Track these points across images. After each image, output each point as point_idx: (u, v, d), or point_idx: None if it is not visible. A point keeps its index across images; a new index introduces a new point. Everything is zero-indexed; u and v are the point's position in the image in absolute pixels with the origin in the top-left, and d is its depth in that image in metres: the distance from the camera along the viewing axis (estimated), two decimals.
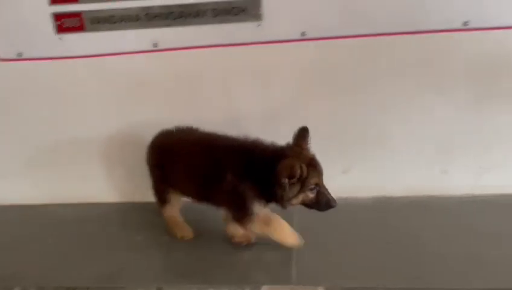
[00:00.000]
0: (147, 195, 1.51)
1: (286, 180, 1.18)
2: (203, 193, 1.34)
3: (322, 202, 1.24)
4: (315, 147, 1.27)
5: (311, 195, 1.23)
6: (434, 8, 1.39)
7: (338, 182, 1.38)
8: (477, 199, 1.53)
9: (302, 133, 1.25)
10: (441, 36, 1.40)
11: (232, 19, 1.44)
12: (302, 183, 1.20)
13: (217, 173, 1.26)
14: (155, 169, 1.45)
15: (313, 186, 1.22)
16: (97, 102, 1.62)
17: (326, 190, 1.23)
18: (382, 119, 1.52)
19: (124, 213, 1.66)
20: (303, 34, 1.45)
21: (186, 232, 1.46)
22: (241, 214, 1.27)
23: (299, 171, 1.17)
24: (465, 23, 1.39)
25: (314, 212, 1.24)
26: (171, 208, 1.46)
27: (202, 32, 1.48)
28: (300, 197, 1.23)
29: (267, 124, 1.56)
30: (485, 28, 1.39)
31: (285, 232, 1.29)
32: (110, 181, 1.72)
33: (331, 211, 1.24)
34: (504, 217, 1.43)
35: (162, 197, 1.45)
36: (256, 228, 1.29)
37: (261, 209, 1.27)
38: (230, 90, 1.57)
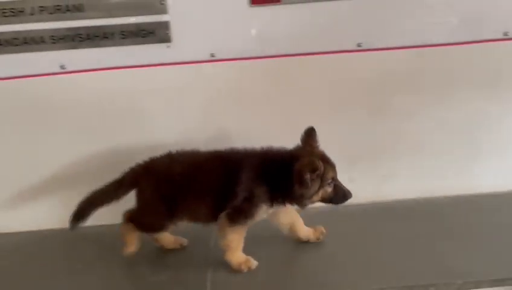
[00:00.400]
0: None
1: (308, 176, 1.22)
2: (221, 208, 1.31)
3: (340, 194, 1.30)
4: None
5: (329, 189, 1.29)
6: (329, 30, 1.51)
7: None
8: (379, 206, 1.64)
9: (310, 133, 1.31)
10: (338, 56, 1.52)
11: (140, 41, 1.46)
12: (321, 178, 1.25)
13: (235, 183, 1.28)
14: (157, 200, 1.34)
15: (330, 180, 1.28)
16: (1, 128, 1.55)
17: (341, 183, 1.30)
18: (293, 132, 1.58)
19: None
20: (212, 55, 1.50)
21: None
22: (239, 214, 1.28)
23: (319, 165, 1.22)
24: (359, 45, 1.52)
25: None
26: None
27: (111, 54, 1.48)
28: (320, 193, 1.28)
29: (183, 145, 1.58)
30: (377, 49, 1.53)
31: (242, 257, 1.32)
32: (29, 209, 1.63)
33: None
34: (404, 221, 1.56)
35: (154, 229, 1.38)
36: (230, 236, 1.30)
37: (261, 215, 1.31)
38: (143, 112, 1.57)
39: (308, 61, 1.52)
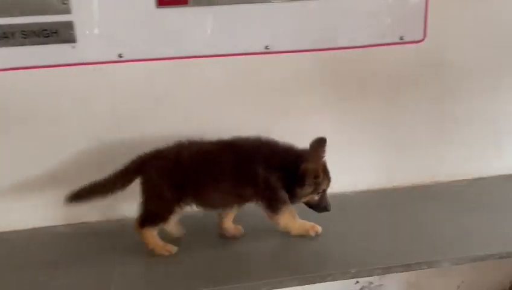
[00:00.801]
0: None
1: (308, 180, 1.35)
2: (234, 193, 1.39)
3: (322, 205, 1.42)
4: None
5: (316, 197, 1.41)
6: (239, 34, 1.55)
7: None
8: None
9: (321, 143, 1.39)
10: (246, 58, 1.57)
11: (44, 41, 1.43)
12: (315, 186, 1.38)
13: (249, 169, 1.36)
14: (163, 186, 1.37)
15: (321, 191, 1.40)
16: None
17: (327, 195, 1.43)
18: (202, 133, 1.59)
19: None
20: (120, 55, 1.50)
21: (169, 247, 1.41)
22: (276, 203, 1.38)
23: (321, 176, 1.37)
24: (267, 47, 1.58)
25: None
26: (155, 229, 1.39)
27: (13, 55, 1.44)
28: (308, 197, 1.40)
29: (94, 148, 1.58)
30: (283, 52, 1.59)
31: (305, 225, 1.44)
32: None
33: None
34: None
35: (161, 218, 1.38)
36: (283, 220, 1.40)
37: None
38: (51, 114, 1.54)
39: (216, 63, 1.55)
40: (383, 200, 1.71)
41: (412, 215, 1.62)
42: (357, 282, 2.03)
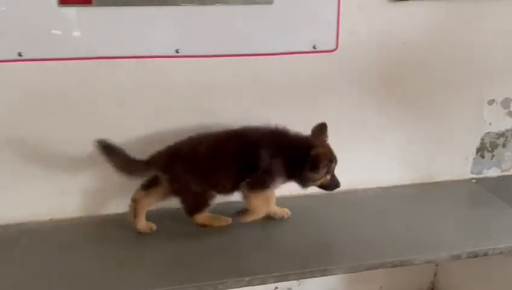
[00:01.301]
0: None
1: (323, 164, 1.43)
2: (241, 179, 1.46)
3: (333, 183, 1.53)
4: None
5: (328, 177, 1.50)
6: (148, 36, 1.52)
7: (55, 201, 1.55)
8: None
9: (322, 128, 1.51)
10: (157, 61, 1.55)
11: None
12: (328, 168, 1.46)
13: (254, 155, 1.44)
14: (193, 181, 1.46)
15: (331, 171, 1.50)
16: None
17: (335, 174, 1.53)
18: (105, 135, 1.56)
19: None
20: (20, 54, 1.44)
21: (225, 218, 1.55)
22: (261, 185, 1.46)
23: (334, 157, 1.47)
24: (177, 51, 1.56)
25: None
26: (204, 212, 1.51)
27: None
28: (323, 179, 1.49)
29: None
30: (195, 56, 1.58)
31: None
32: None
33: None
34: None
35: (202, 204, 1.49)
36: (253, 201, 1.47)
37: (277, 186, 1.50)
38: None
39: (122, 65, 1.52)
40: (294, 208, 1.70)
41: (315, 223, 1.63)
42: (276, 288, 2.05)
